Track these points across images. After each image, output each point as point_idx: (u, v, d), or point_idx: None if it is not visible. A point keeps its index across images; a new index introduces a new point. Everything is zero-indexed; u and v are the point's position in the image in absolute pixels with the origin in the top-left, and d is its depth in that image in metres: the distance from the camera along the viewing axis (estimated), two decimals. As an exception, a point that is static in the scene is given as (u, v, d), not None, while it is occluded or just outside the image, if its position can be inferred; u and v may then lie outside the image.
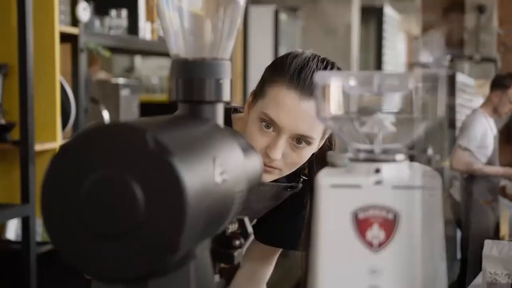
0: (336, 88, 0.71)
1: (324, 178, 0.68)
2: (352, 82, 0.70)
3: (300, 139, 1.23)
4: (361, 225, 0.67)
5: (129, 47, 3.09)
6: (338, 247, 0.67)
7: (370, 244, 0.67)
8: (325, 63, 1.25)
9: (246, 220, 0.87)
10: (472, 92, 7.96)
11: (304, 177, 1.39)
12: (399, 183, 0.67)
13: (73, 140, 0.63)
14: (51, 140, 2.44)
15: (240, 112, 1.40)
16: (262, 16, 4.80)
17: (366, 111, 0.73)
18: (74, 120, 2.56)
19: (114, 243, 0.60)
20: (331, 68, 1.24)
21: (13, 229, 2.55)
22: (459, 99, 7.02)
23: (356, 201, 0.68)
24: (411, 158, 0.71)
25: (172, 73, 0.81)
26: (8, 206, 2.30)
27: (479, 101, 8.55)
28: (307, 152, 1.25)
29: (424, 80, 0.69)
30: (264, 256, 1.49)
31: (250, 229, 0.87)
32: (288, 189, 1.39)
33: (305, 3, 5.28)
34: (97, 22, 2.84)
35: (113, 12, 2.94)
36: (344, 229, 0.67)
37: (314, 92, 1.19)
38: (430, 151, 0.71)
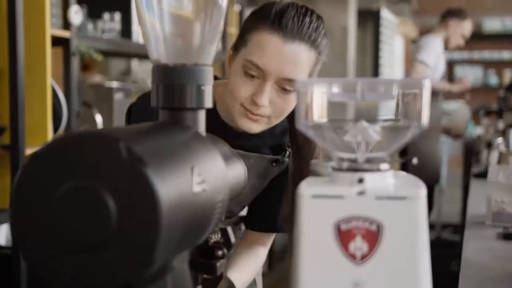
0: (318, 95, 0.69)
1: (306, 188, 0.66)
2: (335, 89, 0.68)
3: (285, 87, 1.21)
4: (343, 237, 0.65)
5: (122, 50, 3.07)
6: (320, 260, 0.65)
7: (353, 257, 0.65)
8: (304, 9, 1.23)
9: (229, 229, 0.85)
10: (394, 29, 8.00)
11: (289, 151, 1.38)
12: (383, 193, 0.65)
13: (45, 148, 0.61)
14: (43, 144, 2.41)
15: (218, 79, 1.39)
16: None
17: (350, 118, 0.71)
18: (66, 124, 2.54)
19: (86, 255, 0.58)
20: (311, 14, 1.23)
21: (3, 234, 2.53)
22: (382, 36, 7.11)
23: (338, 212, 0.66)
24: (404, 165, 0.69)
25: (152, 79, 0.79)
26: (1, 211, 2.28)
27: (399, 39, 8.59)
28: (292, 98, 1.23)
29: (408, 87, 0.67)
30: (260, 239, 1.47)
31: (233, 239, 0.85)
32: (274, 164, 1.37)
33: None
34: (90, 25, 2.82)
35: (106, 16, 2.92)
36: (326, 241, 0.65)
37: (297, 35, 1.19)
38: (415, 160, 0.69)
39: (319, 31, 1.23)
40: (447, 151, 6.04)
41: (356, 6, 5.70)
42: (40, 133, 2.39)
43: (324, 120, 0.70)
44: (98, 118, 2.84)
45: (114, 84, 3.06)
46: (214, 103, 1.33)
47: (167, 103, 0.78)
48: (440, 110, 4.56)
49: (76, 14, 2.54)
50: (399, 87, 0.67)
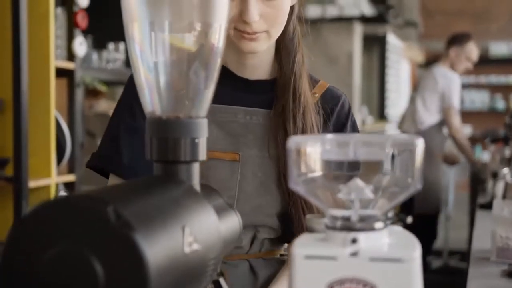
0: (310, 152, 0.68)
1: (299, 249, 0.65)
2: (328, 147, 0.67)
3: None
4: (336, 299, 0.64)
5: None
6: (312, 322, 0.64)
7: (346, 320, 0.64)
8: None
9: (222, 281, 0.84)
10: (400, 53, 8.00)
11: None
12: (377, 254, 0.64)
13: (33, 212, 0.60)
14: (46, 176, 2.42)
15: None
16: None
17: (343, 176, 0.70)
18: (70, 155, 2.54)
19: (73, 321, 0.57)
20: None
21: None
22: (388, 61, 7.13)
23: (331, 273, 0.64)
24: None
25: (146, 132, 0.79)
26: (1, 244, 2.27)
27: (405, 63, 8.60)
28: (283, 1, 1.16)
29: (401, 146, 0.66)
30: None
31: (228, 291, 0.84)
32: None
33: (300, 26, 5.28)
34: (94, 56, 2.84)
35: (111, 45, 2.93)
36: (319, 302, 0.64)
37: None
38: (409, 219, 0.69)
39: None
40: (454, 176, 6.02)
41: (362, 32, 5.71)
42: (44, 165, 2.39)
43: (317, 177, 0.69)
44: (102, 148, 2.84)
45: (119, 113, 3.06)
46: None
47: (161, 156, 0.77)
48: (445, 137, 4.55)
49: (81, 46, 2.55)
50: (392, 145, 0.66)
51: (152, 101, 0.78)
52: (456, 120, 4.33)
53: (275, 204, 1.22)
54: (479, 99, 10.10)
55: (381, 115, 7.39)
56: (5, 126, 2.36)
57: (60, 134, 2.48)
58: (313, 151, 0.68)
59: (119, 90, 4.45)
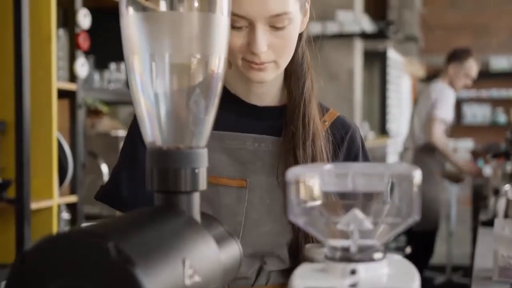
0: (309, 184, 0.69)
1: (298, 280, 0.66)
2: (326, 178, 0.68)
3: (277, 25, 1.12)
4: (336, 331, 0.64)
5: (128, 100, 3.09)
6: None
7: None
8: None
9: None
10: (401, 68, 8.01)
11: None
12: (376, 285, 0.65)
13: (35, 247, 0.61)
14: (48, 197, 2.42)
15: None
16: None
17: (342, 206, 0.71)
18: (72, 176, 2.55)
19: None
20: None
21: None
22: (389, 76, 7.13)
23: (331, 305, 0.65)
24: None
25: (147, 162, 0.79)
26: (3, 266, 2.27)
27: (406, 78, 8.61)
28: (292, 30, 1.15)
29: (399, 178, 0.67)
30: None
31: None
32: None
33: (308, 49, 5.30)
34: (96, 76, 2.85)
35: (112, 66, 2.95)
36: (319, 334, 0.64)
37: None
38: (408, 250, 0.69)
39: None
40: (456, 192, 6.01)
41: (362, 48, 5.74)
42: (46, 187, 2.40)
43: (316, 208, 0.70)
44: (104, 168, 2.85)
45: (121, 132, 3.08)
46: (226, 88, 1.27)
47: (162, 186, 0.78)
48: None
49: (83, 67, 2.57)
50: (390, 177, 0.67)
51: (152, 131, 0.79)
52: (437, 129, 4.31)
53: (283, 232, 1.20)
54: (481, 113, 10.11)
55: (382, 131, 7.40)
56: (7, 148, 2.37)
57: (62, 155, 2.49)
58: (312, 183, 0.69)
59: (121, 110, 4.47)
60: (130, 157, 1.23)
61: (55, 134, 2.43)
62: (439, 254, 6.03)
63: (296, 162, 1.17)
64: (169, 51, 0.77)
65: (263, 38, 1.12)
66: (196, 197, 0.79)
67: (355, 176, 0.67)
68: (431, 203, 4.25)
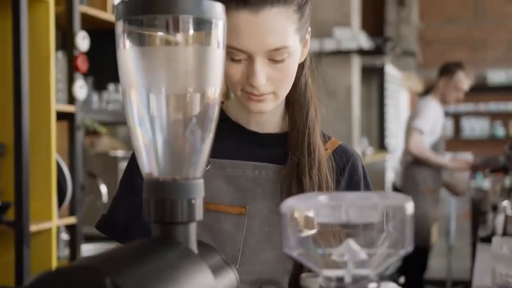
0: (303, 216, 0.70)
1: (294, 311, 0.67)
2: (321, 211, 0.69)
3: (276, 58, 1.12)
4: None
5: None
6: None
7: None
8: None
9: None
10: (399, 83, 8.03)
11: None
12: (370, 316, 0.65)
13: (33, 283, 0.61)
14: (47, 219, 2.43)
15: None
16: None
17: (336, 236, 0.72)
18: (71, 197, 2.56)
19: None
20: None
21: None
22: (387, 91, 7.14)
23: (326, 336, 0.66)
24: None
25: (144, 193, 0.80)
26: (2, 288, 2.27)
27: (404, 93, 8.62)
28: (291, 63, 1.15)
29: (391, 210, 0.68)
30: None
31: None
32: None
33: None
34: (95, 97, 2.87)
35: (111, 87, 2.96)
36: None
37: (263, 2, 1.10)
38: (402, 280, 0.70)
39: None
40: (455, 206, 6.01)
41: (360, 65, 5.77)
42: (45, 209, 2.41)
43: (310, 239, 0.71)
44: (103, 189, 2.86)
45: (119, 153, 3.09)
46: (227, 115, 1.28)
47: (158, 217, 0.79)
48: (436, 169, 4.49)
49: (81, 89, 2.58)
50: (383, 209, 0.68)
51: (149, 163, 0.80)
52: (413, 138, 4.29)
53: (282, 260, 1.20)
54: (479, 127, 10.14)
55: (381, 146, 7.42)
56: (7, 170, 2.38)
57: (61, 177, 2.50)
58: (306, 215, 0.70)
59: (120, 130, 4.49)
60: (128, 187, 1.24)
61: (54, 156, 2.45)
62: (439, 268, 6.03)
63: (301, 190, 1.18)
64: (166, 85, 0.78)
65: (262, 71, 1.13)
66: (193, 227, 0.80)
67: (349, 207, 0.69)
68: (419, 220, 4.22)
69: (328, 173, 1.22)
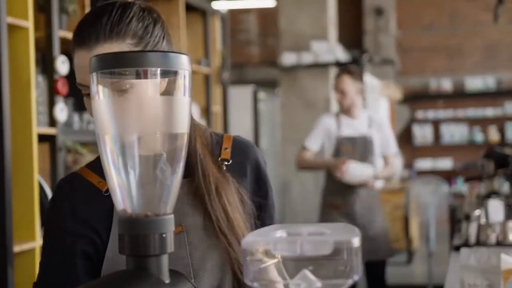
0: (262, 251, 0.77)
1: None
2: (278, 246, 0.77)
3: (122, 88, 1.08)
4: None
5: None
6: None
7: None
8: (102, 9, 1.18)
9: None
10: (378, 92, 8.14)
11: (226, 162, 1.29)
12: None
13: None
14: (30, 239, 2.48)
15: None
16: (242, 96, 4.92)
17: (293, 267, 0.79)
18: (53, 217, 2.61)
19: None
20: (112, 9, 1.18)
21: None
22: (366, 100, 7.18)
23: None
24: None
25: (119, 228, 0.88)
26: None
27: (384, 101, 8.75)
28: (139, 94, 1.12)
29: (340, 244, 0.76)
30: None
31: None
32: None
33: (284, 79, 5.44)
34: (76, 118, 2.93)
35: (91, 107, 3.03)
36: None
37: (97, 39, 1.15)
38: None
39: (123, 21, 1.18)
40: (434, 212, 6.11)
41: (338, 76, 5.87)
42: (28, 229, 2.46)
43: (269, 271, 0.78)
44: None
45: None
46: None
47: (132, 251, 0.86)
48: (337, 184, 4.13)
49: (62, 112, 2.65)
50: (333, 244, 0.75)
51: (123, 200, 0.88)
52: (299, 155, 4.10)
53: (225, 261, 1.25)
54: (458, 133, 10.29)
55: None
56: (-11, 192, 2.43)
57: (43, 198, 2.56)
58: (264, 249, 0.77)
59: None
60: (58, 247, 1.23)
61: (36, 177, 2.50)
62: (420, 274, 6.13)
63: (209, 212, 1.23)
64: (137, 130, 0.86)
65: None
66: (165, 259, 0.87)
67: (303, 242, 0.76)
68: (377, 231, 4.11)
69: (232, 189, 1.25)
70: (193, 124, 1.28)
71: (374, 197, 4.16)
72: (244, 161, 1.31)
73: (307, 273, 0.77)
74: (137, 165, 0.87)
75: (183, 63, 0.86)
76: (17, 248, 2.39)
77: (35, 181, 2.49)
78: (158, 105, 0.86)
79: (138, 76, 0.85)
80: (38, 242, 2.52)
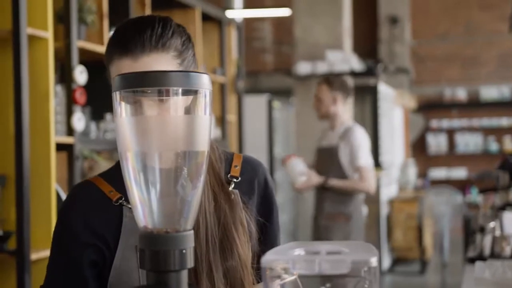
0: (281, 269, 0.78)
1: None
2: (296, 265, 0.78)
3: (161, 98, 1.12)
4: None
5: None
6: None
7: None
8: (142, 20, 1.21)
9: None
10: (393, 101, 8.11)
11: (235, 179, 1.31)
12: None
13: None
14: (48, 247, 2.50)
15: None
16: (257, 104, 4.94)
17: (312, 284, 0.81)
18: (70, 225, 2.64)
19: None
20: (153, 22, 1.20)
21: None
22: (380, 109, 7.17)
23: None
24: None
25: (139, 244, 0.89)
26: (3, 316, 2.35)
27: (398, 110, 8.72)
28: (173, 102, 1.19)
29: (359, 264, 0.77)
30: None
31: None
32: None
33: (299, 88, 5.45)
34: (93, 126, 2.96)
35: (108, 116, 3.06)
36: None
37: (143, 48, 1.17)
38: None
39: (166, 34, 1.21)
40: (448, 224, 6.10)
41: (353, 85, 5.86)
42: (45, 237, 2.49)
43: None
44: (101, 215, 2.93)
45: (117, 179, 3.16)
46: None
47: (153, 266, 0.88)
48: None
49: (79, 121, 2.68)
50: (351, 262, 0.77)
51: (144, 217, 0.89)
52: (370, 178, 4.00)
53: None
54: (473, 142, 10.25)
55: (375, 163, 7.50)
56: (8, 200, 2.46)
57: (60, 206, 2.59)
58: (283, 268, 0.79)
59: (116, 154, 4.58)
60: (65, 257, 1.25)
61: (54, 186, 2.53)
62: (434, 284, 6.10)
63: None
64: (158, 148, 0.88)
65: (150, 112, 1.15)
66: (184, 274, 0.89)
67: (322, 261, 0.78)
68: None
69: (232, 203, 1.26)
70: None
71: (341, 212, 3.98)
72: (252, 180, 1.33)
73: (323, 291, 0.78)
74: (158, 181, 0.88)
75: (204, 82, 0.88)
76: (34, 256, 2.42)
77: (53, 189, 2.52)
78: (180, 124, 0.88)
79: (160, 95, 0.87)
80: (54, 250, 2.54)
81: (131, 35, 1.19)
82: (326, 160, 3.99)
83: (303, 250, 0.82)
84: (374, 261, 0.76)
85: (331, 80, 4.03)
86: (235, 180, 1.30)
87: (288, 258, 0.78)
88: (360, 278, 0.77)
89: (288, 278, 0.80)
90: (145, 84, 0.86)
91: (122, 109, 0.87)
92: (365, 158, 3.95)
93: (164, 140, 0.87)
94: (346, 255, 0.78)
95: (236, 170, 1.32)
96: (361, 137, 3.98)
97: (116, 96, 0.87)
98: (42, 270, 2.49)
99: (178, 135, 0.88)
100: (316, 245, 0.83)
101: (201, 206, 1.23)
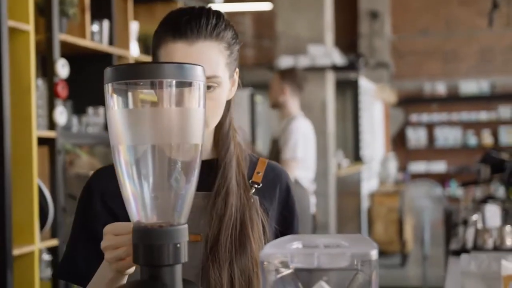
0: (279, 262, 0.77)
1: None
2: (295, 258, 0.77)
3: (207, 83, 1.12)
4: None
5: (106, 143, 3.16)
6: None
7: None
8: (198, 9, 1.23)
9: None
10: (373, 95, 8.17)
11: (256, 185, 1.32)
12: None
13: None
14: (29, 243, 2.48)
15: None
16: (239, 99, 4.91)
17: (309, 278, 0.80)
18: (52, 220, 2.61)
19: None
20: (208, 12, 1.23)
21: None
22: (361, 104, 7.21)
23: None
24: None
25: (133, 238, 0.88)
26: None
27: (379, 104, 8.77)
28: (221, 93, 1.22)
29: (358, 257, 0.76)
30: None
31: None
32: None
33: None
34: (75, 120, 2.92)
35: (90, 110, 3.02)
36: None
37: (198, 35, 1.19)
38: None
39: (220, 25, 1.23)
40: (429, 217, 6.13)
41: (334, 79, 5.87)
42: (27, 232, 2.46)
43: (286, 281, 0.79)
44: (84, 210, 2.90)
45: (99, 174, 3.13)
46: None
47: (147, 261, 0.86)
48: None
49: (61, 115, 2.64)
50: (351, 257, 0.76)
51: (137, 211, 0.88)
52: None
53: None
54: (452, 136, 10.32)
55: (356, 157, 7.53)
56: (-11, 195, 2.42)
57: (42, 201, 2.55)
58: (282, 261, 0.77)
59: (99, 150, 4.53)
60: (85, 233, 1.26)
61: (36, 180, 2.50)
62: (415, 276, 6.14)
63: (211, 218, 1.23)
64: (151, 141, 0.86)
65: None
66: (179, 269, 0.87)
67: (320, 255, 0.76)
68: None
69: (239, 205, 1.26)
70: (237, 143, 1.31)
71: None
72: (275, 186, 1.34)
73: (323, 284, 0.77)
74: (151, 174, 0.87)
75: (198, 74, 0.87)
76: (16, 251, 2.38)
77: (35, 184, 2.49)
78: (173, 116, 0.86)
79: (153, 87, 0.86)
80: (37, 245, 2.51)
81: (187, 20, 1.20)
82: (272, 152, 4.03)
83: (301, 244, 0.81)
84: (374, 254, 0.75)
85: (283, 71, 4.15)
86: (256, 186, 1.31)
87: (287, 252, 0.77)
88: (359, 271, 0.76)
89: (286, 272, 0.79)
90: (137, 76, 0.84)
91: (114, 102, 0.85)
92: (290, 152, 3.89)
93: (157, 133, 0.86)
94: (345, 249, 0.77)
95: (258, 177, 1.32)
96: (295, 130, 3.93)
97: (108, 88, 0.85)
98: (24, 266, 2.47)
99: (172, 128, 0.86)
100: (314, 239, 0.83)
101: (228, 199, 1.24)
